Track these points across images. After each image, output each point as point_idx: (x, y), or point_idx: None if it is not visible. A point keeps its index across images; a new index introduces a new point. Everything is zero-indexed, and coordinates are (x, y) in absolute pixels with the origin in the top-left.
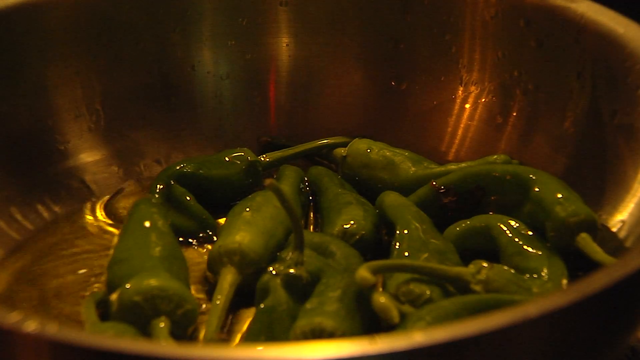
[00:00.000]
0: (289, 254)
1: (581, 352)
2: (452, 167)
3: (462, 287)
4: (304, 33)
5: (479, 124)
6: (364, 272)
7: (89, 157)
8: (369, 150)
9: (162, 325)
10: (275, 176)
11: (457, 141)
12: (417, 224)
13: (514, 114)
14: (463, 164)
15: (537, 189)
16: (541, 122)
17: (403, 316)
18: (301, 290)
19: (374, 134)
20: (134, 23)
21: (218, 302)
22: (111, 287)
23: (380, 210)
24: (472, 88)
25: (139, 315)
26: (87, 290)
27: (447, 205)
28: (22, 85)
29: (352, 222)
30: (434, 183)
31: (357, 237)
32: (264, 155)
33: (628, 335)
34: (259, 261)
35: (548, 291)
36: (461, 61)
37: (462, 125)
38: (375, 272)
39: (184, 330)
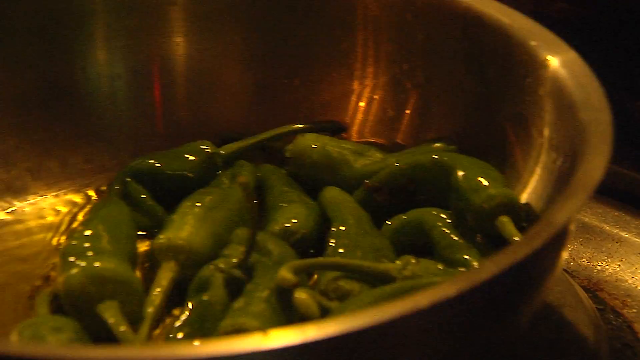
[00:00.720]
0: (234, 252)
1: (473, 340)
2: (392, 159)
3: (390, 283)
4: (195, 32)
5: (374, 119)
6: (284, 273)
7: None
8: (313, 146)
9: (111, 307)
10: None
11: (354, 135)
12: (353, 221)
13: (407, 109)
14: (404, 153)
15: (456, 177)
16: (434, 115)
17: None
18: (239, 291)
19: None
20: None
21: (155, 296)
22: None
23: (321, 207)
24: (367, 82)
25: (86, 301)
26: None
27: (382, 203)
28: None
29: (294, 220)
30: (367, 182)
31: (299, 235)
32: (221, 148)
33: (515, 322)
34: (202, 263)
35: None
36: (353, 56)
37: (357, 121)
38: (297, 271)
39: (132, 313)
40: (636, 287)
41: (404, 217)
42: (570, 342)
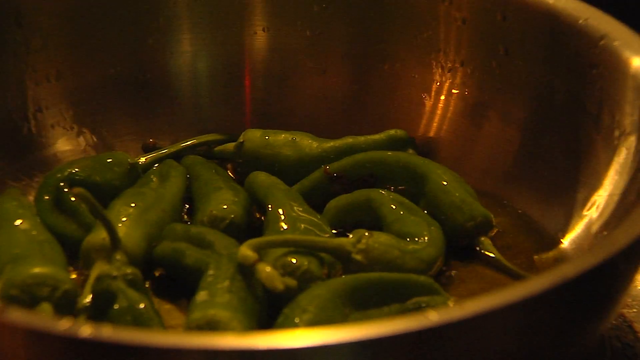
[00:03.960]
0: (118, 257)
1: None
2: (349, 139)
3: (343, 257)
4: (279, 23)
5: (453, 113)
6: (245, 250)
7: (63, 146)
8: (267, 137)
9: (45, 310)
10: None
11: (435, 125)
12: (290, 202)
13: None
14: (361, 139)
15: (430, 188)
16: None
17: (289, 296)
18: (140, 287)
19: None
20: (110, 14)
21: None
22: None
23: (250, 191)
24: (448, 74)
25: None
26: None
27: (339, 192)
28: None
29: (223, 206)
30: (327, 168)
31: (227, 221)
32: (142, 157)
33: None
34: (135, 264)
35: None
36: (441, 46)
37: (439, 112)
38: (256, 249)
39: (70, 310)
40: (636, 287)
41: (347, 197)
42: None
